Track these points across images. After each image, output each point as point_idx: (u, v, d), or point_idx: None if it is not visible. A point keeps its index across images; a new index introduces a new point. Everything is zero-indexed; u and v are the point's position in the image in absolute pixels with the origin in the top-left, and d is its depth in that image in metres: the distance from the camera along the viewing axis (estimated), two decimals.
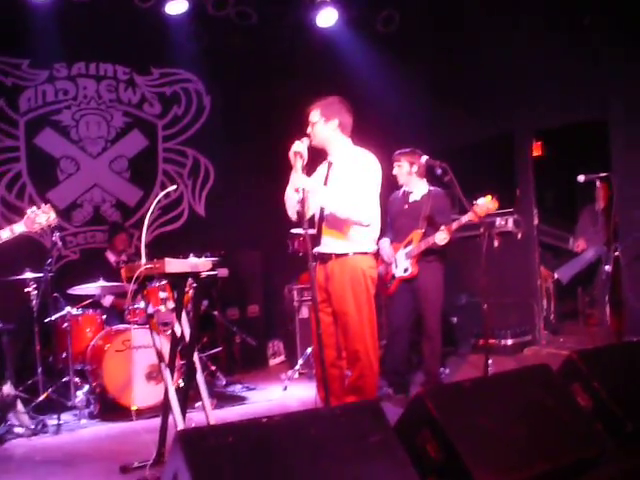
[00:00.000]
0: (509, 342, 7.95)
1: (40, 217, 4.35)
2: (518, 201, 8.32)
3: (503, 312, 7.81)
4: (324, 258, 4.78)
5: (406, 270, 6.12)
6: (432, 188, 6.25)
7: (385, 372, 6.25)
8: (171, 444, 3.01)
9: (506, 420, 3.52)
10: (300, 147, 4.56)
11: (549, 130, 8.48)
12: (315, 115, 4.84)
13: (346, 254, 4.73)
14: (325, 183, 4.80)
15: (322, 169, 4.90)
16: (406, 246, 6.16)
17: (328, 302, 4.77)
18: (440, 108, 8.53)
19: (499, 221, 8.14)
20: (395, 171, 6.24)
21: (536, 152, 8.90)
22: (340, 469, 3.02)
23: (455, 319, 8.24)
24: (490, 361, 5.59)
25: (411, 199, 6.28)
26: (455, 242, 7.67)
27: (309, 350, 7.19)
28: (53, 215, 4.40)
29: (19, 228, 4.28)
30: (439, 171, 5.58)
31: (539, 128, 8.38)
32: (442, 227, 5.87)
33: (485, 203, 5.63)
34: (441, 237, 5.85)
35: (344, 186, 4.68)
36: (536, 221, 8.34)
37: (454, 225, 5.85)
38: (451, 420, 3.38)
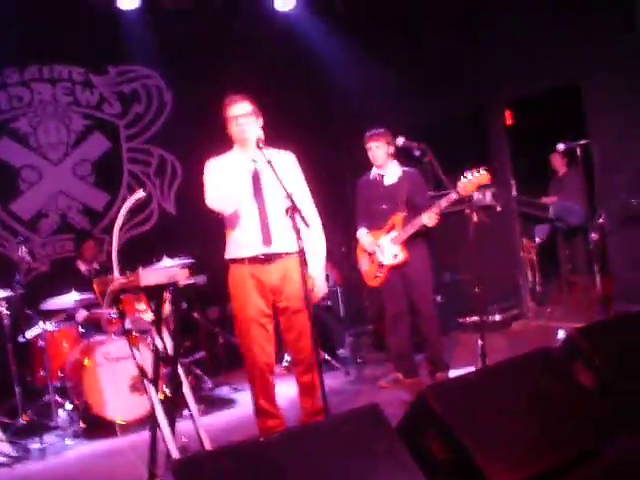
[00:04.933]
0: (497, 318, 7.81)
1: None
2: (494, 173, 8.15)
3: (488, 287, 7.60)
4: (271, 258, 4.61)
5: (396, 256, 5.91)
6: (406, 169, 6.03)
7: (392, 357, 6.25)
8: (164, 469, 2.81)
9: (513, 412, 3.36)
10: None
11: (518, 100, 8.33)
12: (247, 108, 4.59)
13: (294, 252, 4.51)
14: (258, 182, 4.60)
15: (241, 166, 4.57)
16: (389, 231, 5.95)
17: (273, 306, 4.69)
18: (405, 86, 8.32)
19: (477, 195, 7.95)
20: (372, 153, 5.98)
21: (507, 121, 8.76)
22: None
23: (439, 298, 8.08)
24: (480, 342, 5.38)
25: (386, 182, 6.05)
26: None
27: None
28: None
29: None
30: (417, 152, 5.41)
31: (509, 98, 8.22)
32: (431, 208, 5.65)
33: (474, 177, 5.38)
34: (429, 218, 5.65)
35: (296, 185, 4.57)
36: (514, 192, 8.20)
37: (443, 203, 5.58)
38: (457, 417, 3.22)
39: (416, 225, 5.76)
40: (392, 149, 5.94)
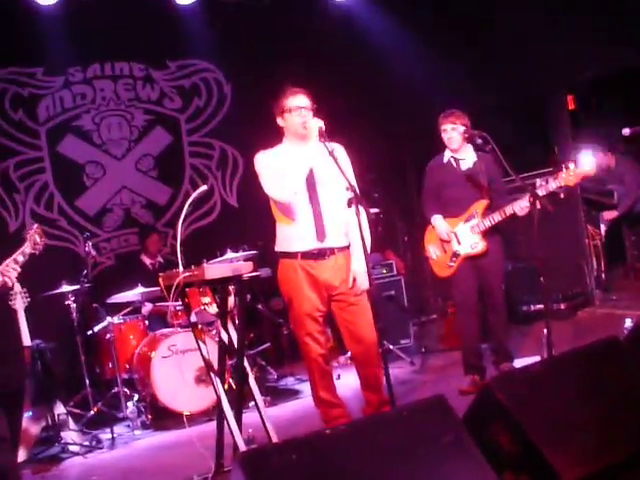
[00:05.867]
0: (562, 306, 7.69)
1: (36, 237, 4.30)
2: (557, 159, 8.02)
3: (552, 275, 7.51)
4: (324, 253, 4.53)
5: (475, 246, 5.49)
6: (481, 153, 5.57)
7: (465, 355, 5.76)
8: (232, 462, 2.85)
9: (580, 403, 3.29)
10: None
11: (581, 83, 8.19)
12: (307, 100, 4.51)
13: (347, 247, 4.59)
14: (312, 176, 4.50)
15: (296, 159, 4.47)
16: (468, 219, 5.51)
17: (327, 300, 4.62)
18: (468, 71, 8.21)
19: (539, 182, 7.81)
20: (447, 135, 5.52)
21: (569, 106, 8.62)
22: (413, 474, 2.84)
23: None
24: (545, 331, 5.23)
25: (463, 167, 5.58)
26: None
27: None
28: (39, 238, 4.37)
29: (28, 249, 4.24)
30: (479, 141, 5.28)
31: (572, 82, 8.08)
32: (525, 196, 5.16)
33: (580, 168, 5.05)
34: (521, 207, 5.23)
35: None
36: None
37: (541, 191, 5.08)
38: (523, 409, 3.16)
39: (505, 213, 5.35)
40: (468, 132, 5.49)
